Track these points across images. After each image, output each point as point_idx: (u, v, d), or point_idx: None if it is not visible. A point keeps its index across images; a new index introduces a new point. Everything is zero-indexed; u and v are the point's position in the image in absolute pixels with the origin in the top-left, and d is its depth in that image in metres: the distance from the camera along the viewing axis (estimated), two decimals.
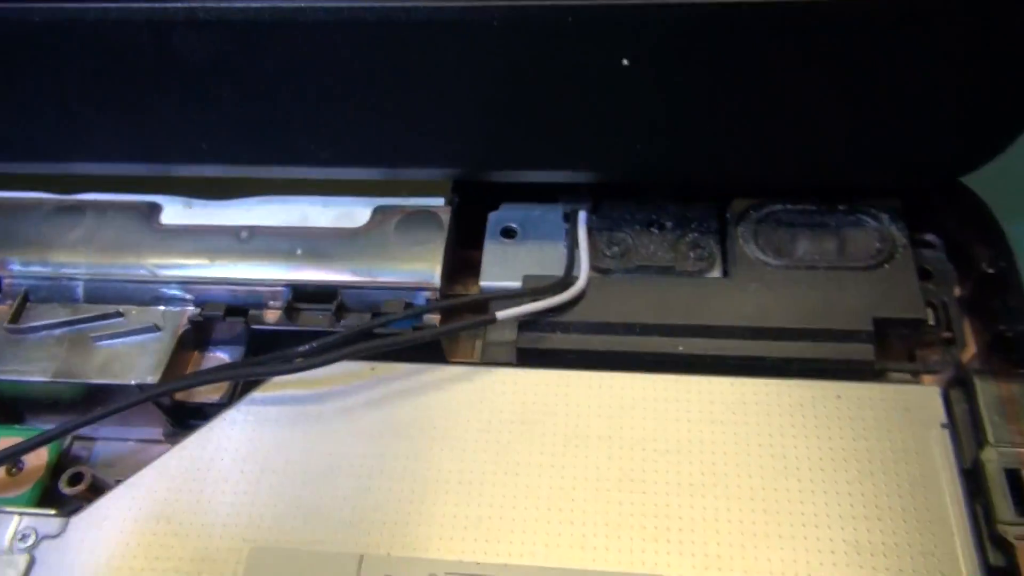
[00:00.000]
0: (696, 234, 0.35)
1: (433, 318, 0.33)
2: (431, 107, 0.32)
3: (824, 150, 0.32)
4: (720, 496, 0.28)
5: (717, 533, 0.28)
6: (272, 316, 0.35)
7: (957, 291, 0.34)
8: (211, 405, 0.34)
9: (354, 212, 0.36)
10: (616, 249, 0.35)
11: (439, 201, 0.36)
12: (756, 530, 0.28)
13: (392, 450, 0.30)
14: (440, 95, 0.32)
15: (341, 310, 0.34)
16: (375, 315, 0.34)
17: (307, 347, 0.32)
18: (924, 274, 0.34)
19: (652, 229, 0.36)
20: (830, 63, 0.29)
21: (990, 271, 0.32)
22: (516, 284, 0.34)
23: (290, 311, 0.34)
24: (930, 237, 0.35)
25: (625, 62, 0.30)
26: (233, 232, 0.36)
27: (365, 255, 0.35)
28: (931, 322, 0.33)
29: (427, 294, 0.34)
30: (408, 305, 0.33)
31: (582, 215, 0.36)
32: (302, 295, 0.35)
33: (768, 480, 0.29)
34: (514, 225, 0.38)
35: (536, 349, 0.33)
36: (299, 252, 0.35)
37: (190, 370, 0.35)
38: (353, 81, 0.31)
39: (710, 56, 0.29)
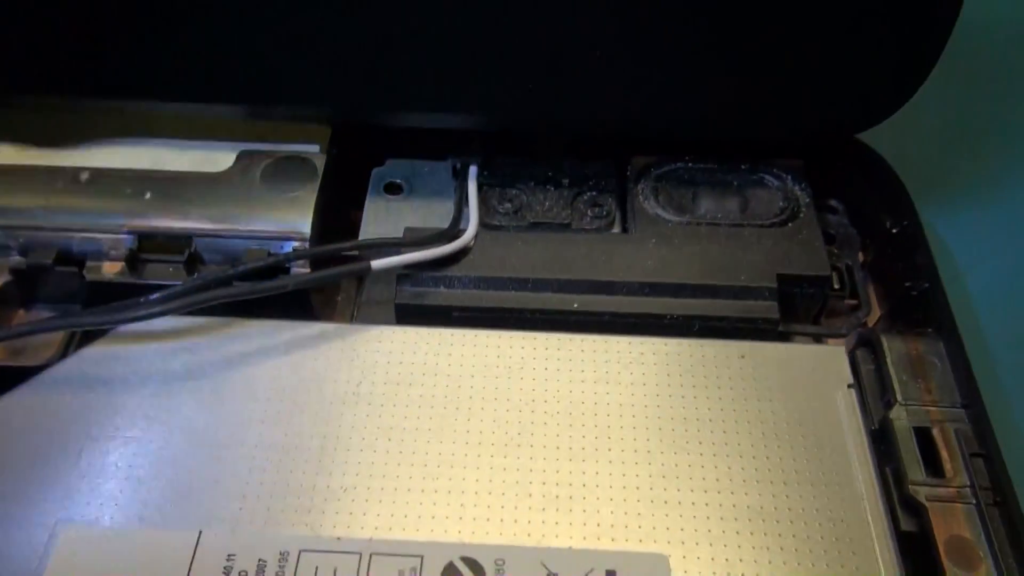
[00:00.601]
0: (594, 192, 0.33)
1: (302, 271, 0.30)
2: (300, 30, 0.29)
3: (719, 101, 0.30)
4: (614, 461, 0.25)
5: (610, 500, 0.25)
6: (112, 268, 0.30)
7: (861, 256, 0.33)
8: (39, 369, 0.29)
9: (216, 156, 0.32)
10: (509, 206, 0.32)
11: (314, 148, 0.33)
12: (653, 496, 0.25)
13: (245, 414, 0.26)
14: (310, 16, 0.28)
15: (194, 261, 0.30)
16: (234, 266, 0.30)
17: (151, 297, 0.27)
18: (828, 239, 0.33)
19: (548, 186, 0.33)
20: (720, 6, 0.28)
21: (894, 231, 0.31)
22: None
23: (133, 262, 0.30)
24: (833, 203, 0.34)
25: None
26: (71, 173, 0.31)
27: (225, 202, 0.30)
28: (836, 286, 0.31)
29: (295, 244, 0.30)
30: (272, 255, 0.29)
31: (472, 169, 0.33)
32: (149, 245, 0.30)
33: (666, 443, 0.26)
34: (399, 181, 0.34)
35: (416, 305, 0.29)
36: (148, 197, 0.30)
37: None
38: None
39: None
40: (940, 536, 0.23)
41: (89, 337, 0.28)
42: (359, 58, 0.30)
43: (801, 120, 0.31)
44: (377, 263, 0.28)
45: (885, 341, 0.27)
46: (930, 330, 0.28)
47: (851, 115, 0.31)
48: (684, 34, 0.29)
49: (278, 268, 0.29)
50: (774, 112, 0.31)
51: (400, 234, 0.31)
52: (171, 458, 0.25)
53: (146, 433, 0.26)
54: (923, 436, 0.25)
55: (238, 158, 0.32)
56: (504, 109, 0.31)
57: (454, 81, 0.30)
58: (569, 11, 0.28)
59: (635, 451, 0.26)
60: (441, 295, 0.29)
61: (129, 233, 0.30)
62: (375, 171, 0.34)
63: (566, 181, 0.33)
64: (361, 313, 0.30)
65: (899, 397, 0.26)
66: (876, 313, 0.32)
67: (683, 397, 0.27)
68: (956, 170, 0.42)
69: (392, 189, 0.34)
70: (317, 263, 0.30)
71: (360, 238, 0.32)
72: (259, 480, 0.25)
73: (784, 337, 0.30)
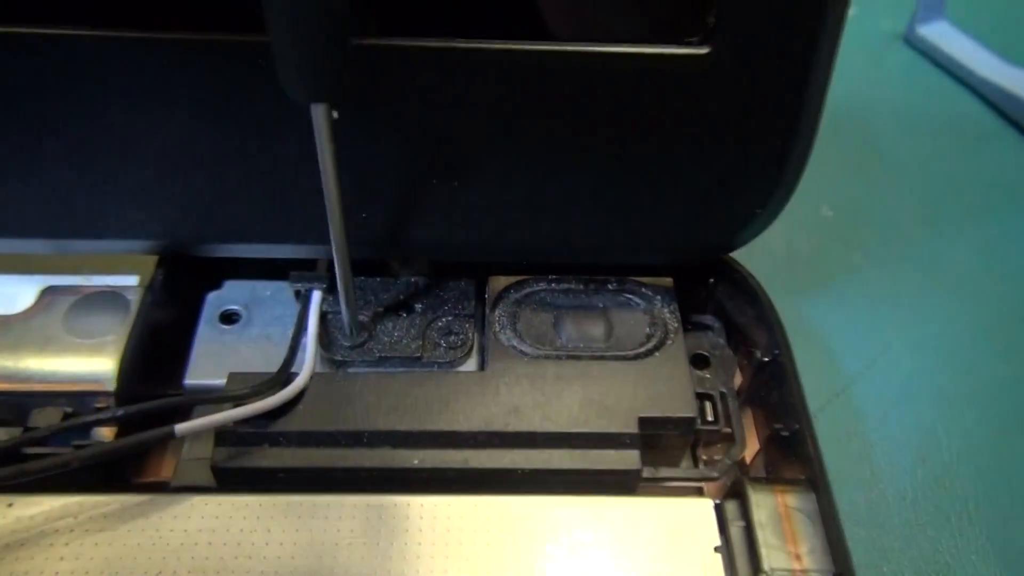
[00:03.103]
0: (450, 317, 0.30)
1: (106, 432, 0.26)
2: (114, 161, 0.25)
3: (579, 226, 0.28)
4: None
5: None
6: None
7: (738, 378, 0.31)
8: None
9: (14, 293, 0.28)
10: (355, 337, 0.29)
11: (131, 280, 0.29)
12: None
13: None
14: (119, 148, 0.25)
15: None
16: (26, 431, 0.26)
17: None
18: (702, 361, 0.30)
19: (400, 312, 0.30)
20: (573, 131, 0.25)
21: (765, 360, 0.29)
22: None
23: None
24: (708, 319, 0.32)
25: (335, 115, 0.24)
26: None
27: (19, 350, 0.27)
28: (709, 417, 0.29)
29: (98, 401, 0.26)
30: (68, 416, 0.26)
31: (315, 295, 0.30)
32: None
33: None
34: (237, 308, 0.31)
35: (235, 468, 0.26)
36: None
37: None
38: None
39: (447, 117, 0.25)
40: None
41: None
42: (182, 191, 0.27)
43: (664, 244, 0.29)
44: (182, 427, 0.25)
45: (752, 496, 0.25)
46: (803, 479, 0.26)
47: (716, 238, 0.29)
48: (539, 162, 0.26)
49: (78, 430, 0.26)
50: (638, 236, 0.28)
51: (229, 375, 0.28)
52: None
53: None
54: None
55: (40, 295, 0.28)
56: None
57: (289, 212, 0.27)
58: (417, 142, 0.26)
59: None
60: (266, 454, 0.26)
61: None
62: (209, 296, 0.31)
63: (419, 306, 0.30)
64: (179, 475, 0.27)
65: (765, 566, 0.24)
66: (755, 446, 0.29)
67: (534, 565, 0.24)
68: (848, 261, 0.40)
69: (228, 318, 0.31)
70: (125, 424, 0.26)
71: (187, 379, 0.29)
72: None
73: (652, 481, 0.27)
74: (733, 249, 0.29)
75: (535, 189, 0.27)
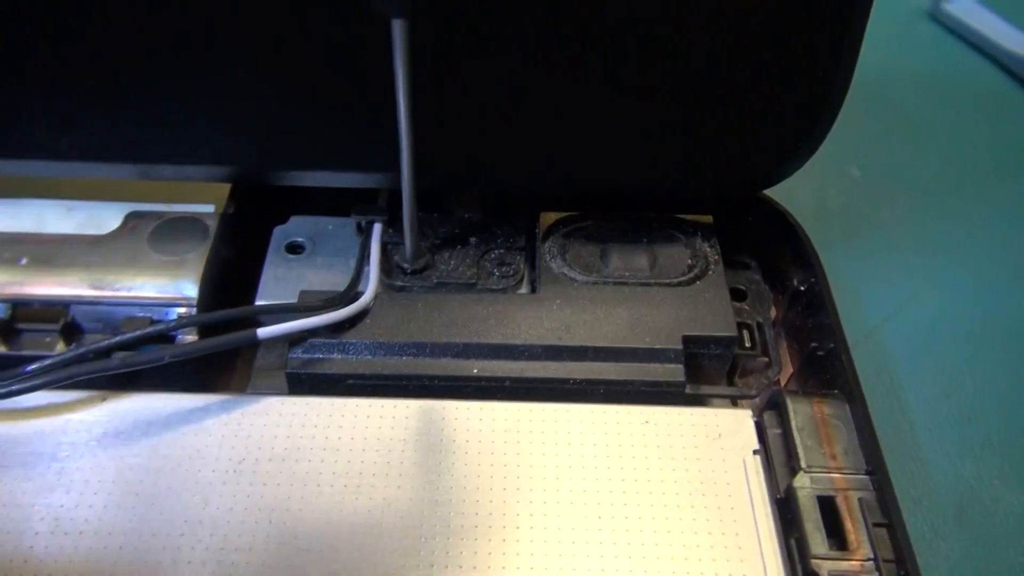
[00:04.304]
0: (502, 250, 0.32)
1: (187, 340, 0.28)
2: (196, 88, 0.27)
3: (625, 158, 0.30)
4: (508, 539, 0.24)
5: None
6: None
7: (774, 312, 0.33)
8: None
9: (102, 217, 0.30)
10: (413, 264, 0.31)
11: (208, 208, 0.31)
12: (551, 572, 0.23)
13: (112, 497, 0.24)
14: (204, 74, 0.27)
15: (71, 331, 0.28)
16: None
17: (20, 371, 0.25)
18: (740, 295, 0.32)
19: (455, 244, 0.32)
20: (625, 65, 0.27)
21: (801, 288, 0.31)
22: None
23: (7, 332, 0.28)
24: (746, 259, 0.34)
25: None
26: None
27: (108, 266, 0.29)
28: (747, 344, 0.31)
29: (181, 310, 0.28)
30: (155, 323, 0.28)
31: (376, 227, 0.32)
32: (23, 313, 0.28)
33: (564, 515, 0.25)
34: (301, 240, 0.33)
35: (308, 374, 0.28)
36: (24, 262, 0.29)
37: None
38: (101, 49, 0.26)
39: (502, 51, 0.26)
40: None
41: None
42: (257, 117, 0.29)
43: (706, 178, 0.30)
44: (264, 331, 0.27)
45: (791, 404, 0.27)
46: (836, 392, 0.27)
47: (756, 172, 0.30)
48: (592, 93, 0.28)
49: (162, 337, 0.28)
50: (680, 170, 0.30)
51: (297, 297, 0.30)
52: (26, 550, 0.23)
53: (3, 521, 0.24)
54: (827, 505, 0.25)
55: (126, 219, 0.30)
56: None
57: (357, 140, 0.29)
58: (475, 69, 0.27)
59: (531, 527, 0.24)
60: (335, 363, 0.28)
61: (2, 301, 0.28)
62: (277, 230, 0.33)
63: (474, 239, 0.32)
64: (255, 382, 0.29)
65: (803, 463, 0.25)
66: (790, 370, 0.31)
67: (583, 467, 0.26)
68: (875, 219, 0.42)
69: (294, 249, 0.33)
70: (205, 331, 0.28)
71: (258, 301, 0.31)
72: (110, 571, 0.23)
73: (693, 399, 0.29)
74: (771, 184, 0.31)
75: (600, 118, 0.28)
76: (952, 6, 0.53)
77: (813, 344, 0.29)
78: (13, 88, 0.28)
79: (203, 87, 0.28)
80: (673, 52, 0.27)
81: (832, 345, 0.28)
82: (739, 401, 0.30)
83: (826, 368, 0.29)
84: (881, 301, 0.37)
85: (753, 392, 0.29)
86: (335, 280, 0.31)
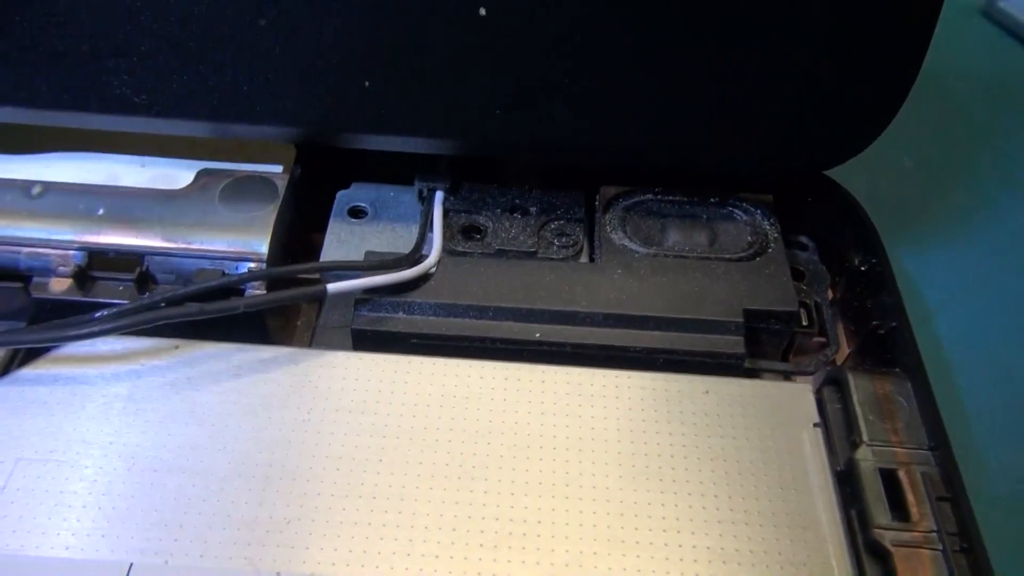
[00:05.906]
0: (562, 221, 0.32)
1: (256, 293, 0.29)
2: (267, 48, 0.28)
3: (689, 134, 0.30)
4: (572, 497, 0.25)
5: (566, 539, 0.24)
6: (60, 285, 0.29)
7: (830, 293, 0.33)
8: None
9: (175, 174, 0.31)
10: (474, 232, 0.32)
11: (277, 168, 0.32)
12: (611, 535, 0.24)
13: (186, 440, 0.25)
14: (280, 37, 0.28)
15: (145, 280, 0.29)
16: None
17: (96, 315, 0.26)
18: (797, 275, 0.32)
19: (515, 214, 0.33)
20: (696, 37, 0.27)
21: (862, 268, 0.31)
22: None
23: (82, 279, 0.29)
24: (803, 239, 0.34)
25: (483, 11, 0.27)
26: (22, 187, 0.30)
27: (181, 220, 0.30)
28: (804, 323, 0.31)
29: (251, 265, 0.29)
30: (226, 276, 0.29)
31: (438, 194, 0.32)
32: (99, 262, 0.29)
33: (626, 481, 0.25)
34: (364, 205, 0.34)
35: (373, 331, 0.28)
36: (101, 213, 0.29)
37: None
38: (179, 6, 0.27)
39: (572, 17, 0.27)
40: None
41: (33, 356, 0.27)
42: (325, 79, 0.29)
43: (770, 155, 0.31)
44: (333, 287, 0.27)
45: (852, 380, 0.27)
46: (897, 370, 0.27)
47: (820, 151, 0.30)
48: (657, 67, 0.28)
49: (232, 289, 0.28)
50: (743, 146, 0.30)
51: (362, 259, 0.31)
52: (106, 484, 0.24)
53: (81, 457, 0.25)
54: (889, 478, 0.25)
55: (197, 176, 0.31)
56: (472, 135, 0.30)
57: (421, 104, 0.30)
58: (541, 40, 0.28)
59: (593, 487, 0.25)
60: (400, 321, 0.29)
61: (79, 249, 0.29)
62: (340, 194, 0.34)
63: (534, 209, 0.33)
64: (318, 338, 0.29)
65: (865, 437, 0.25)
66: (845, 351, 0.31)
67: (644, 432, 0.26)
68: (928, 210, 0.42)
69: (356, 213, 0.33)
70: (273, 285, 0.29)
71: (322, 260, 0.31)
72: (197, 510, 0.24)
73: (750, 373, 0.29)
74: (832, 165, 0.31)
75: (658, 95, 0.29)
76: (1006, 3, 0.53)
77: (874, 323, 0.29)
78: (93, 44, 0.28)
79: (276, 46, 0.28)
80: (754, 28, 0.27)
81: (894, 324, 0.28)
82: (794, 378, 0.30)
83: (886, 347, 0.29)
84: (932, 289, 0.37)
85: (811, 368, 0.30)
86: (396, 244, 0.32)
